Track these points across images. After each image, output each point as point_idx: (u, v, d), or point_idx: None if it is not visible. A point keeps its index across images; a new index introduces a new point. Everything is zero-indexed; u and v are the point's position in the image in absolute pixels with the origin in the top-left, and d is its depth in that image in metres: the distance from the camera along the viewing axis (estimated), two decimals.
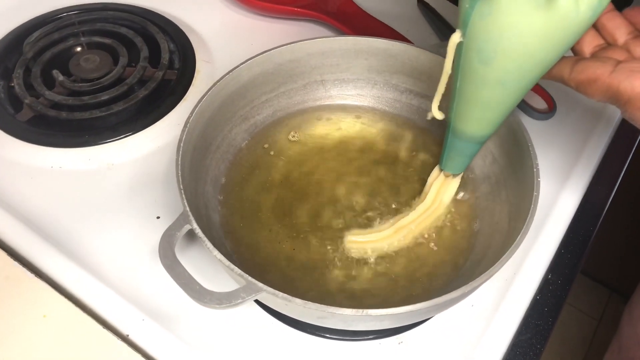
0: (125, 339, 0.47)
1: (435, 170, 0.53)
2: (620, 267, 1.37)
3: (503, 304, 0.52)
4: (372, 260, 0.49)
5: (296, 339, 0.49)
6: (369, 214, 0.52)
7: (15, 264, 0.50)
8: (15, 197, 0.56)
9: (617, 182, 0.65)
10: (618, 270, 1.40)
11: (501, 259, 0.41)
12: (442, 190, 0.52)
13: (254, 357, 0.48)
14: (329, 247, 0.50)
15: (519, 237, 0.42)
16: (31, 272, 0.50)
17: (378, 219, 0.52)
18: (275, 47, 0.54)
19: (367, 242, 0.50)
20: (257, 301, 0.49)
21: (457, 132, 0.47)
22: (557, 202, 0.59)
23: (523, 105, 0.64)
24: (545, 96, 0.66)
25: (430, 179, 0.53)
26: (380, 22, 0.72)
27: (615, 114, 0.67)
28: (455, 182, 0.52)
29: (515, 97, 0.43)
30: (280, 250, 0.50)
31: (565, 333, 1.41)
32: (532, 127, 0.57)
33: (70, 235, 0.54)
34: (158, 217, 0.56)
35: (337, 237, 0.51)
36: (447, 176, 0.52)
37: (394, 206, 0.53)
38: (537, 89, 0.66)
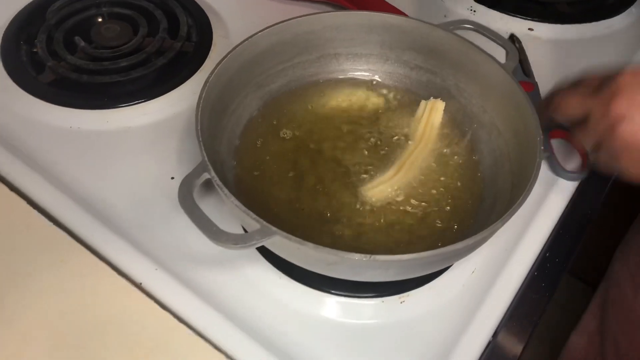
0: (138, 286, 0.49)
1: (422, 104, 0.59)
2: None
3: (503, 272, 0.54)
4: (380, 221, 0.51)
5: (302, 293, 0.51)
6: (376, 173, 0.55)
7: (36, 212, 0.52)
8: (35, 153, 0.58)
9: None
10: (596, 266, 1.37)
11: (503, 217, 0.43)
12: (430, 118, 0.57)
13: (260, 309, 0.50)
14: (337, 207, 0.52)
15: (522, 196, 0.44)
16: (50, 221, 0.52)
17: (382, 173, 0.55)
18: (294, 17, 0.56)
19: (379, 185, 0.53)
20: (265, 255, 0.52)
21: None
22: (554, 188, 0.61)
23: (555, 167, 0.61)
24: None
25: (418, 113, 0.58)
26: (394, 7, 0.74)
27: None
28: (440, 107, 0.58)
29: None
30: (292, 209, 0.52)
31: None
32: None
33: (87, 190, 0.56)
34: (172, 178, 0.58)
35: (346, 197, 0.53)
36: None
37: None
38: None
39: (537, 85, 0.67)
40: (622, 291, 0.69)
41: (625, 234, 0.76)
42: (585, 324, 0.75)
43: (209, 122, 0.50)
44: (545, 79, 0.69)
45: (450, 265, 0.53)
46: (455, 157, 0.56)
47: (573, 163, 0.63)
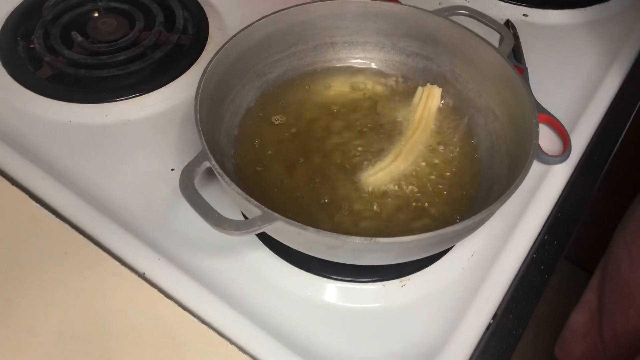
0: (142, 276, 0.50)
1: (418, 91, 0.59)
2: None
3: (502, 255, 0.54)
4: (379, 207, 0.52)
5: (304, 279, 0.51)
6: (375, 160, 0.55)
7: (38, 206, 0.53)
8: (36, 147, 0.59)
9: (614, 148, 0.67)
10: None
11: (501, 197, 0.43)
12: (427, 104, 0.58)
13: (262, 295, 0.50)
14: (336, 194, 0.53)
15: (519, 176, 0.44)
16: (52, 214, 0.52)
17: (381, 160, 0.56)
18: (289, 7, 0.57)
19: (378, 172, 0.53)
20: (266, 242, 0.52)
21: None
22: (551, 171, 0.61)
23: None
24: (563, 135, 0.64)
25: (415, 99, 0.59)
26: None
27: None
28: (436, 93, 0.59)
29: None
30: (291, 197, 0.52)
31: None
32: None
33: (88, 183, 0.57)
34: (172, 169, 0.58)
35: (345, 184, 0.53)
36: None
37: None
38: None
39: (527, 70, 0.68)
40: (619, 266, 0.69)
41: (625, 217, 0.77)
42: (586, 300, 0.76)
43: (208, 112, 0.51)
44: (536, 64, 0.70)
45: (450, 249, 0.53)
46: (453, 141, 0.57)
47: (555, 147, 0.63)
